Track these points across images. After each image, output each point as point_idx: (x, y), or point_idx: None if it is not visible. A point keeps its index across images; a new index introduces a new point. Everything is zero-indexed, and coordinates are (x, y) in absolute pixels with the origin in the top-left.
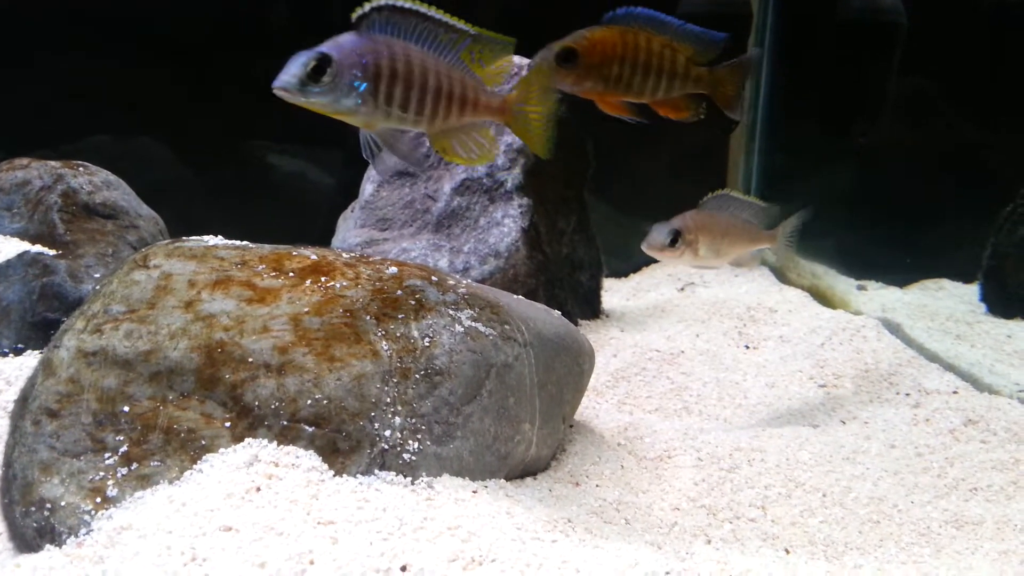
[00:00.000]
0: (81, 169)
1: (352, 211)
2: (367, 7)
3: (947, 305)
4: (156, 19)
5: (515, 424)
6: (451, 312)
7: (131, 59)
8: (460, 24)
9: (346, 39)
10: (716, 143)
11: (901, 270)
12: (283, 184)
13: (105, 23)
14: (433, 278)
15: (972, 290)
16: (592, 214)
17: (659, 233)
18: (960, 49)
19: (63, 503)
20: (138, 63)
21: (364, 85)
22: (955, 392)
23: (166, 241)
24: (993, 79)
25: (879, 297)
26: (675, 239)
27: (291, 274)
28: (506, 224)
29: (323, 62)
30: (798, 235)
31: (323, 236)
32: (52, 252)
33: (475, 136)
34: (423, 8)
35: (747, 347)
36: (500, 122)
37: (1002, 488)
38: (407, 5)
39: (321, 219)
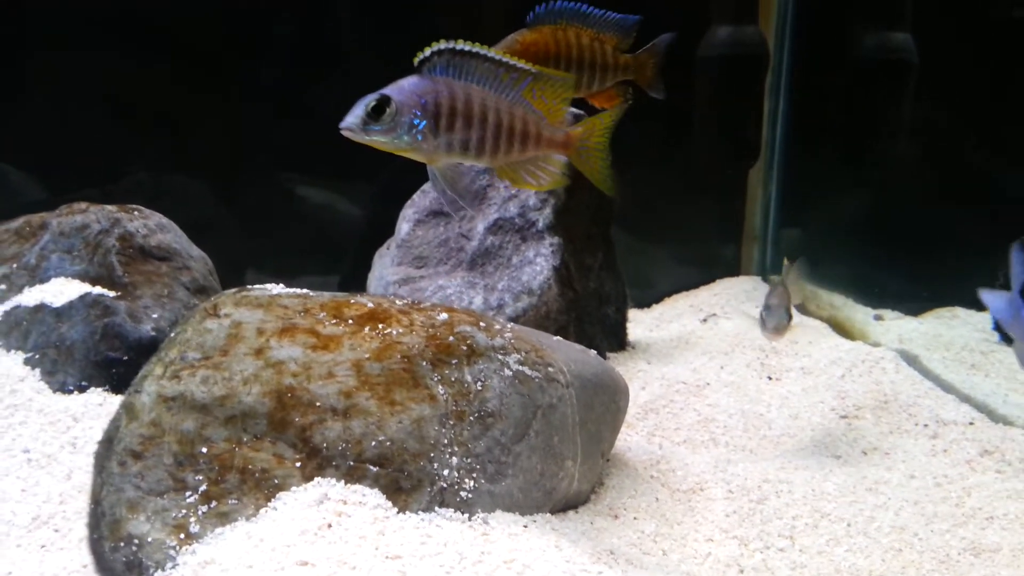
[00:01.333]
0: (136, 213)
1: (388, 248)
2: (428, 51)
3: (961, 334)
4: (190, 49)
5: (559, 461)
6: (500, 357)
7: (166, 94)
8: (520, 64)
9: (407, 81)
10: (734, 174)
11: (916, 299)
12: (314, 216)
13: (138, 58)
14: (481, 324)
15: (985, 318)
16: (615, 244)
17: (780, 316)
18: (973, 81)
19: (150, 539)
20: (172, 97)
21: (423, 123)
22: (971, 423)
23: (233, 291)
24: (1007, 109)
25: (896, 327)
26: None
27: (350, 321)
28: (538, 263)
29: (383, 103)
30: (802, 284)
31: (355, 268)
32: (112, 293)
33: (542, 165)
34: (483, 50)
35: (770, 378)
36: (563, 156)
37: (1017, 517)
38: (467, 48)
39: (352, 250)
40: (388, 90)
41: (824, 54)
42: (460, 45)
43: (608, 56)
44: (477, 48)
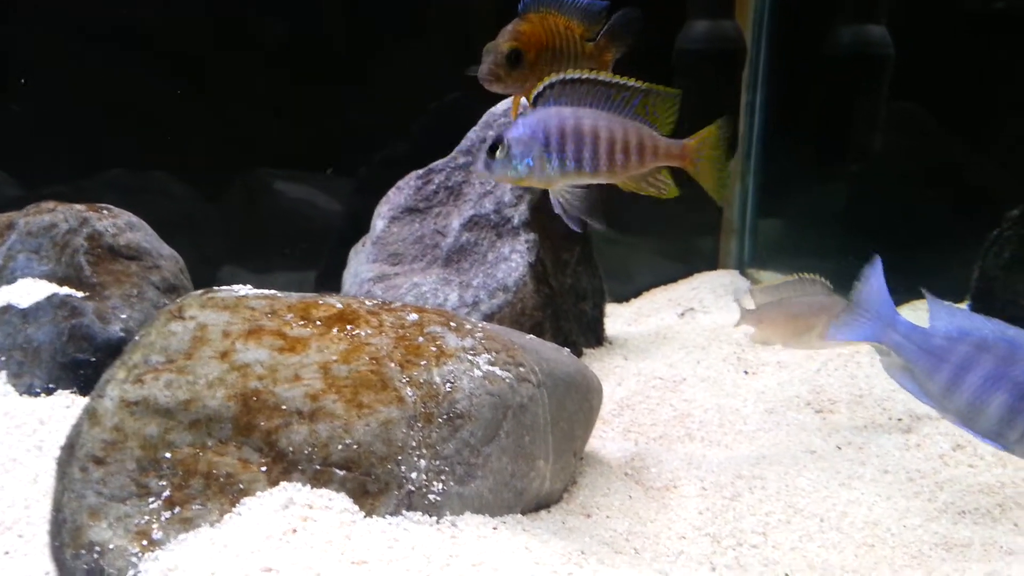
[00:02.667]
0: (105, 212)
1: (363, 245)
2: (540, 86)
3: None
4: (164, 48)
5: (530, 461)
6: (470, 357)
7: (140, 88)
8: (630, 82)
9: (522, 118)
10: None
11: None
12: (292, 212)
13: (115, 57)
14: (452, 323)
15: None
16: (592, 239)
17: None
18: (948, 74)
19: (111, 546)
20: (146, 91)
21: (530, 154)
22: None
23: (199, 292)
24: (982, 103)
25: None
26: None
27: (318, 323)
28: (514, 259)
29: (496, 142)
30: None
31: (332, 264)
32: (80, 294)
33: (659, 177)
34: (592, 75)
35: (746, 373)
36: (680, 167)
37: (988, 511)
38: (577, 75)
39: (330, 246)
40: (506, 129)
41: (801, 48)
42: (570, 75)
43: (579, 44)
44: (586, 74)
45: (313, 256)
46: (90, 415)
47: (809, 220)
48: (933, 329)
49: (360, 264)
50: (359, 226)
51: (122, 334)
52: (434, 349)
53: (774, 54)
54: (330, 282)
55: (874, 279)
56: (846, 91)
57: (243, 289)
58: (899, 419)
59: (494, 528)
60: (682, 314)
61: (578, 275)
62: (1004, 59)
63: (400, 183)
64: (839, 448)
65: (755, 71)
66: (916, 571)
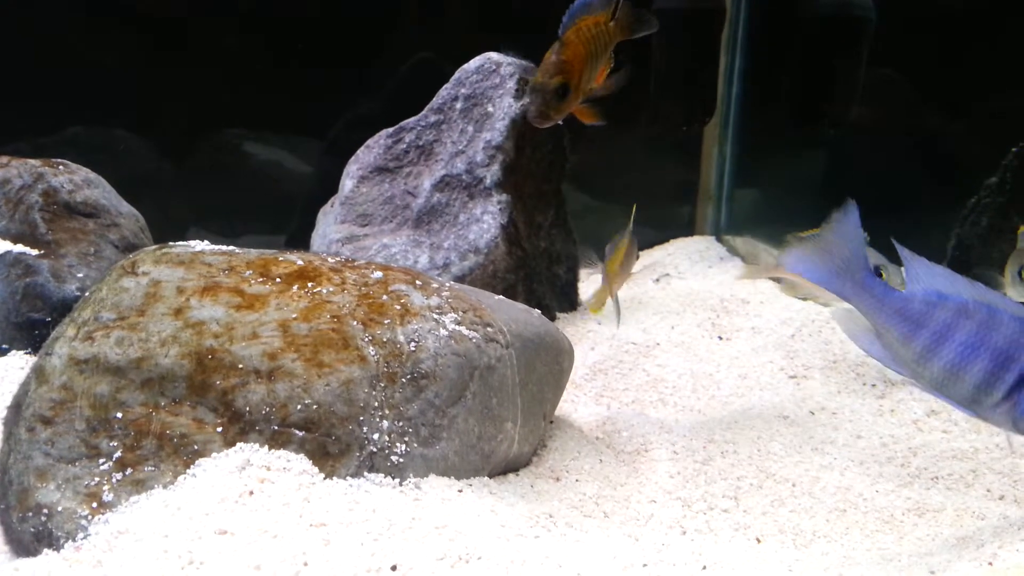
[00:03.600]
0: (62, 167)
1: (332, 206)
2: None
3: None
4: (130, 4)
5: (498, 424)
6: (435, 316)
7: (104, 47)
8: None
9: None
10: (691, 132)
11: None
12: (260, 173)
13: (79, 10)
14: (418, 282)
15: None
16: (569, 204)
17: None
18: (927, 41)
19: (60, 508)
20: (110, 50)
21: None
22: None
23: (153, 247)
24: (961, 72)
25: None
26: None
27: (278, 280)
28: (485, 220)
29: None
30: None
31: (301, 226)
32: (34, 252)
33: None
34: None
35: (720, 338)
36: None
37: (961, 477)
38: None
39: (299, 208)
40: None
41: (781, 9)
42: None
43: (606, 35)
44: None
45: (283, 218)
46: (38, 374)
47: (786, 187)
48: (911, 293)
49: (328, 225)
50: (329, 188)
51: (78, 293)
52: (399, 308)
53: (754, 15)
54: (300, 245)
55: (847, 224)
56: (826, 56)
57: (200, 244)
58: (873, 385)
59: (459, 491)
60: (657, 279)
61: (552, 238)
62: (984, 25)
63: (370, 141)
64: (812, 413)
65: (734, 33)
66: (888, 536)
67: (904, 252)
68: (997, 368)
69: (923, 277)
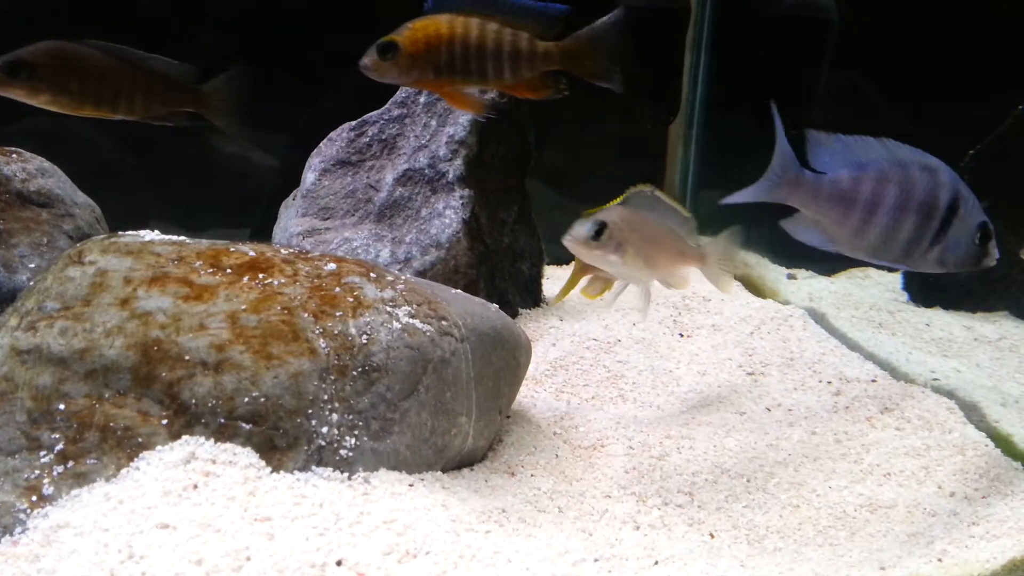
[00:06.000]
0: (14, 156)
1: (294, 199)
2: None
3: (872, 294)
4: None
5: (452, 418)
6: (389, 309)
7: (68, 36)
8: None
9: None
10: (657, 131)
11: (831, 258)
12: (224, 166)
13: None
14: (372, 274)
15: (896, 279)
16: (535, 200)
17: (583, 226)
18: (891, 44)
19: None
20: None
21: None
22: (874, 380)
23: (101, 236)
24: (929, 69)
25: (807, 286)
26: (599, 231)
27: (228, 271)
28: (447, 215)
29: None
30: (735, 257)
31: (265, 220)
32: None
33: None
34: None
35: (681, 335)
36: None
37: (913, 473)
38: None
39: (263, 202)
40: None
41: (746, 9)
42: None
43: (521, 45)
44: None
45: (249, 213)
46: None
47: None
48: (836, 175)
49: (290, 218)
50: (294, 182)
51: (30, 283)
52: (351, 300)
53: (719, 14)
54: (264, 239)
55: (776, 139)
56: (790, 56)
57: (150, 234)
58: (829, 382)
59: (410, 485)
60: None
61: (516, 234)
62: (947, 31)
63: (332, 134)
64: (768, 410)
65: (700, 32)
66: (840, 531)
67: (814, 134)
68: (922, 220)
69: (838, 151)
